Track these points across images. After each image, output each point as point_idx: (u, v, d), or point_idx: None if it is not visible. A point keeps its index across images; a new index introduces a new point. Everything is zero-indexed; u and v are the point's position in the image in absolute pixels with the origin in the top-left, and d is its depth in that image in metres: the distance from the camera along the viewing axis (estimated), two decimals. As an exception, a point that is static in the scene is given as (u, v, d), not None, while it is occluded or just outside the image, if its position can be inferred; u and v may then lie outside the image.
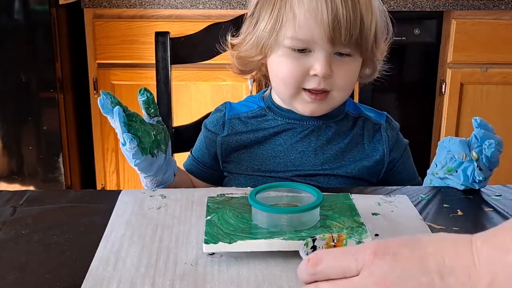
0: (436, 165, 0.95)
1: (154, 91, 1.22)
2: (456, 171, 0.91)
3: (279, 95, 1.01)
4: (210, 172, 1.06)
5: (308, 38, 0.91)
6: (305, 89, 0.95)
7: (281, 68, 0.96)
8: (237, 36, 1.02)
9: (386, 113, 1.07)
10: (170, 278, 0.65)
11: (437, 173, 0.95)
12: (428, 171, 0.98)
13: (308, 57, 0.93)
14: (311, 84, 0.94)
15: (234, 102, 1.07)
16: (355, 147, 1.01)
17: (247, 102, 1.07)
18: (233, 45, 1.03)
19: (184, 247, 0.72)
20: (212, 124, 1.05)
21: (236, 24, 1.09)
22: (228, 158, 1.03)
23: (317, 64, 0.92)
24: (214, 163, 1.05)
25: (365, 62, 0.99)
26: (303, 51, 0.93)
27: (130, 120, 0.85)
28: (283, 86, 0.97)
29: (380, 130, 1.03)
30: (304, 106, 0.97)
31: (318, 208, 0.73)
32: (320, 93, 0.95)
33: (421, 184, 1.06)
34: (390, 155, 1.03)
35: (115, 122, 0.84)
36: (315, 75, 0.93)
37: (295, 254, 0.69)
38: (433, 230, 0.78)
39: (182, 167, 1.07)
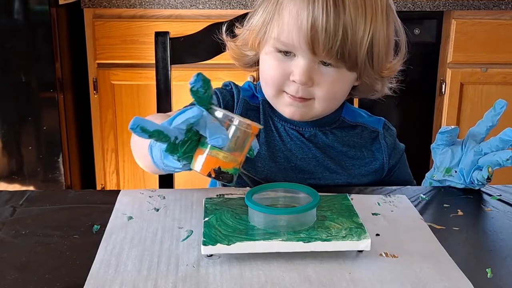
0: (434, 169, 0.95)
1: (154, 91, 1.22)
2: (456, 171, 0.91)
3: (265, 95, 0.97)
4: None
5: (289, 42, 0.88)
6: (286, 91, 0.92)
7: (265, 67, 0.94)
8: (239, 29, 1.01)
9: (383, 118, 1.05)
10: (173, 280, 0.65)
11: (434, 176, 0.95)
12: (426, 175, 0.98)
13: (291, 61, 0.89)
14: (290, 90, 0.91)
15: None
16: (353, 156, 1.00)
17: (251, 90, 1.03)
18: (233, 37, 1.01)
19: (185, 248, 0.72)
20: (229, 94, 1.01)
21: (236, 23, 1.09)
22: None
23: (296, 71, 0.88)
24: None
25: (361, 77, 0.93)
26: (287, 53, 0.90)
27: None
28: (266, 86, 0.95)
29: (378, 138, 1.02)
30: (285, 108, 0.94)
31: (315, 208, 0.73)
32: (300, 97, 0.92)
33: (417, 187, 1.06)
34: (389, 163, 1.02)
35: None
36: (294, 81, 0.90)
37: (297, 255, 0.69)
38: (433, 230, 0.78)
39: None
